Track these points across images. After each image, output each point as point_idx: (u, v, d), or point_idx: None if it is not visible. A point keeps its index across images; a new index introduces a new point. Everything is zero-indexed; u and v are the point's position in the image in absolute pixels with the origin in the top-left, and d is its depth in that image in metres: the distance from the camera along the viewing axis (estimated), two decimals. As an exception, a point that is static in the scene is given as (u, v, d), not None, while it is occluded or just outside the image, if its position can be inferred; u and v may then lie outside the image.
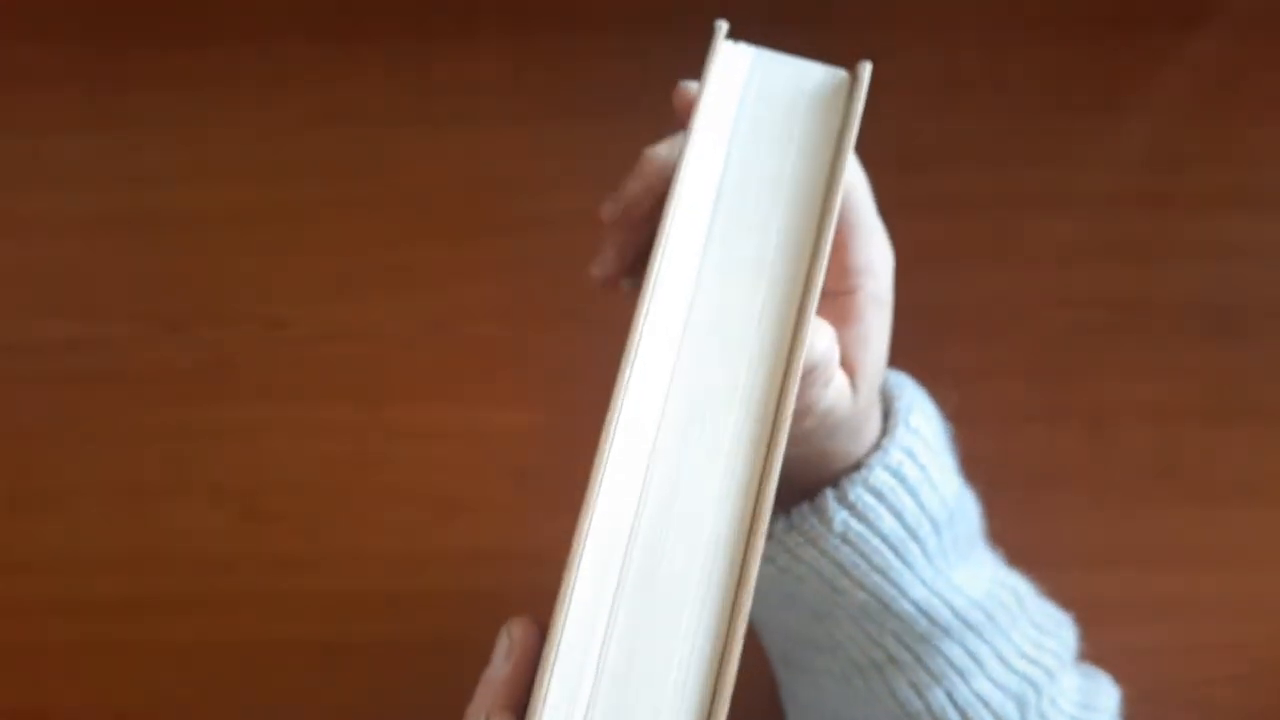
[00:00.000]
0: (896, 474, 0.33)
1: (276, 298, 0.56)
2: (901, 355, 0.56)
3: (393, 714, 0.55)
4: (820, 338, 0.28)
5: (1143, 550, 0.54)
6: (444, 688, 0.56)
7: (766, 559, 0.34)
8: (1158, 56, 0.56)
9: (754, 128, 0.28)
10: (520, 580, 0.55)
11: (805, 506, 0.33)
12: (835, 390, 0.30)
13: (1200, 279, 0.55)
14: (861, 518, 0.33)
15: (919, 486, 0.34)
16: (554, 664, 0.23)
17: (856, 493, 0.33)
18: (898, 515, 0.33)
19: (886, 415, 0.35)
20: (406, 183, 0.56)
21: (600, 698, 0.24)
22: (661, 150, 0.31)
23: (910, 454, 0.34)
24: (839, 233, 0.30)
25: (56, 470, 0.55)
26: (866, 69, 0.29)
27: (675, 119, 0.30)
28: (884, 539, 0.33)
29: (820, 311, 0.30)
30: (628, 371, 0.25)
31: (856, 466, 0.33)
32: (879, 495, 0.33)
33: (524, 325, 0.55)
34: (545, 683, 0.23)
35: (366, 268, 0.56)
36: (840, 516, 0.33)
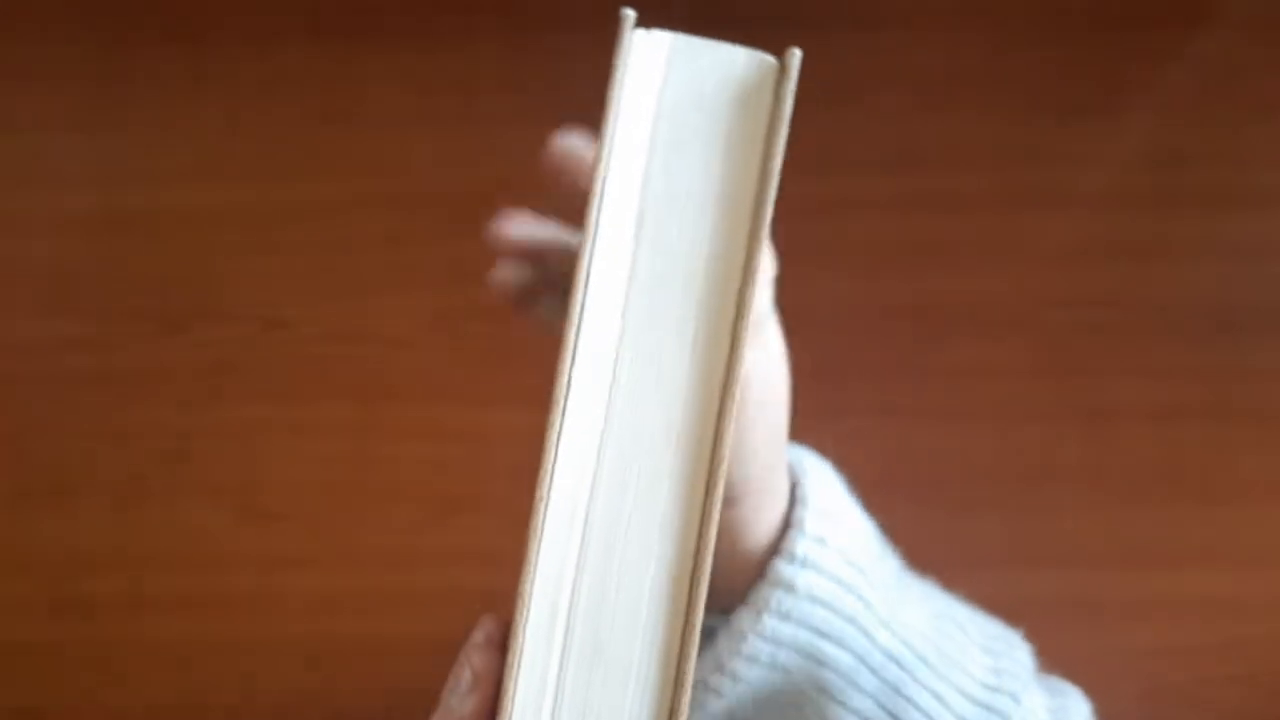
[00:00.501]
0: (827, 519, 0.33)
1: (276, 298, 0.56)
2: (902, 355, 0.56)
3: (393, 714, 0.55)
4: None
5: (1143, 550, 0.54)
6: (443, 687, 0.56)
7: (748, 660, 0.33)
8: (1159, 56, 0.56)
9: (674, 133, 0.26)
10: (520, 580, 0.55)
11: (762, 585, 0.33)
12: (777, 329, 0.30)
13: (1200, 279, 0.55)
14: (815, 567, 0.33)
15: (851, 523, 0.34)
16: None
17: (804, 544, 0.32)
18: (843, 554, 0.33)
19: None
20: (406, 183, 0.56)
21: None
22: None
23: (827, 513, 0.33)
24: None
25: (56, 470, 0.55)
26: (796, 57, 0.26)
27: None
28: (841, 583, 0.33)
29: None
30: (558, 423, 0.25)
31: (784, 530, 0.33)
32: (821, 541, 0.33)
33: (524, 325, 0.55)
34: None
35: (366, 268, 0.56)
36: (801, 577, 0.32)
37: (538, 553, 0.24)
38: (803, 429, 0.34)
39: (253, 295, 0.56)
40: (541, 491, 0.24)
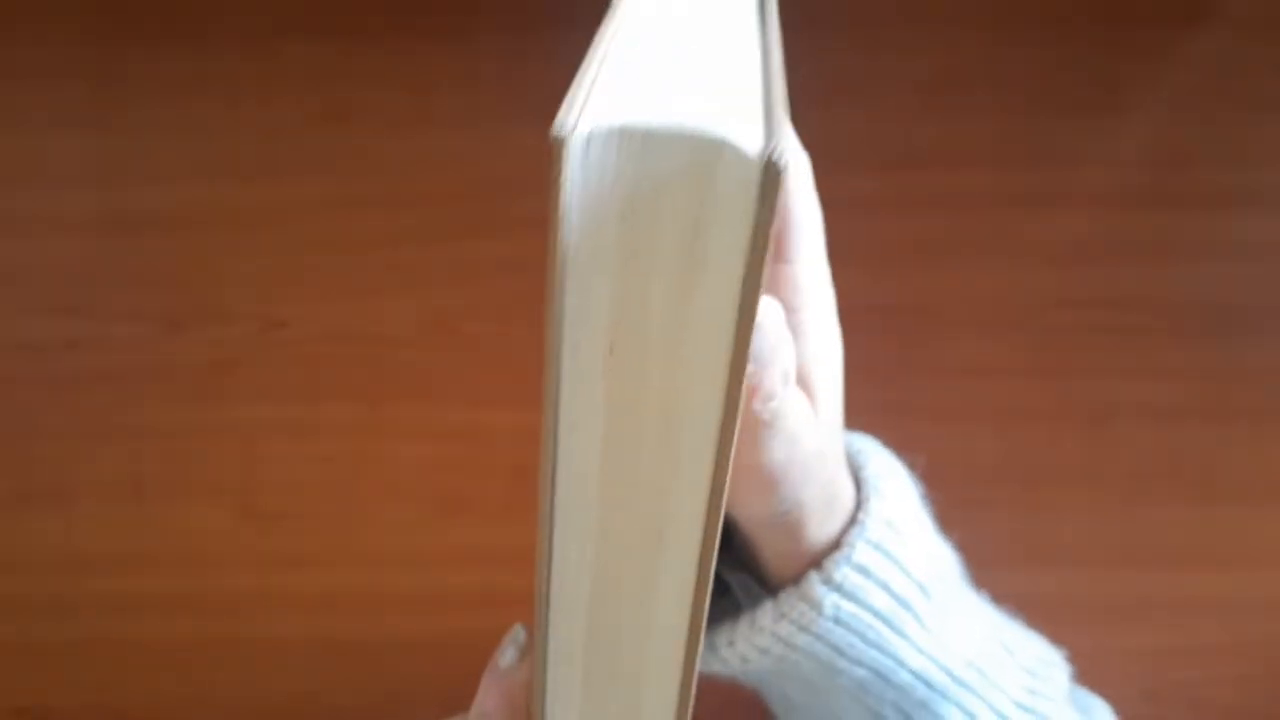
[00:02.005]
0: (879, 548, 0.32)
1: (276, 298, 0.56)
2: (902, 355, 0.56)
3: (392, 714, 0.55)
4: (767, 315, 0.25)
5: (1143, 550, 0.54)
6: (444, 687, 0.56)
7: (760, 651, 0.33)
8: (1158, 55, 0.55)
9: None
10: (520, 580, 0.55)
11: (792, 593, 0.33)
12: (796, 409, 0.28)
13: (1200, 279, 0.55)
14: (850, 597, 0.32)
15: (903, 556, 0.33)
16: None
17: (842, 573, 0.32)
18: (886, 588, 0.33)
19: (858, 485, 0.34)
20: (406, 183, 0.56)
21: None
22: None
23: (890, 525, 0.33)
24: (779, 236, 0.28)
25: (56, 470, 0.55)
26: (783, 164, 0.18)
27: None
28: (876, 614, 0.33)
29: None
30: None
31: (837, 545, 0.33)
32: (865, 572, 0.32)
33: (524, 325, 0.55)
34: None
35: (366, 268, 0.56)
36: (830, 599, 0.32)
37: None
38: (803, 429, 0.34)
39: (253, 295, 0.56)
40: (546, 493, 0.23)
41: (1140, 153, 0.55)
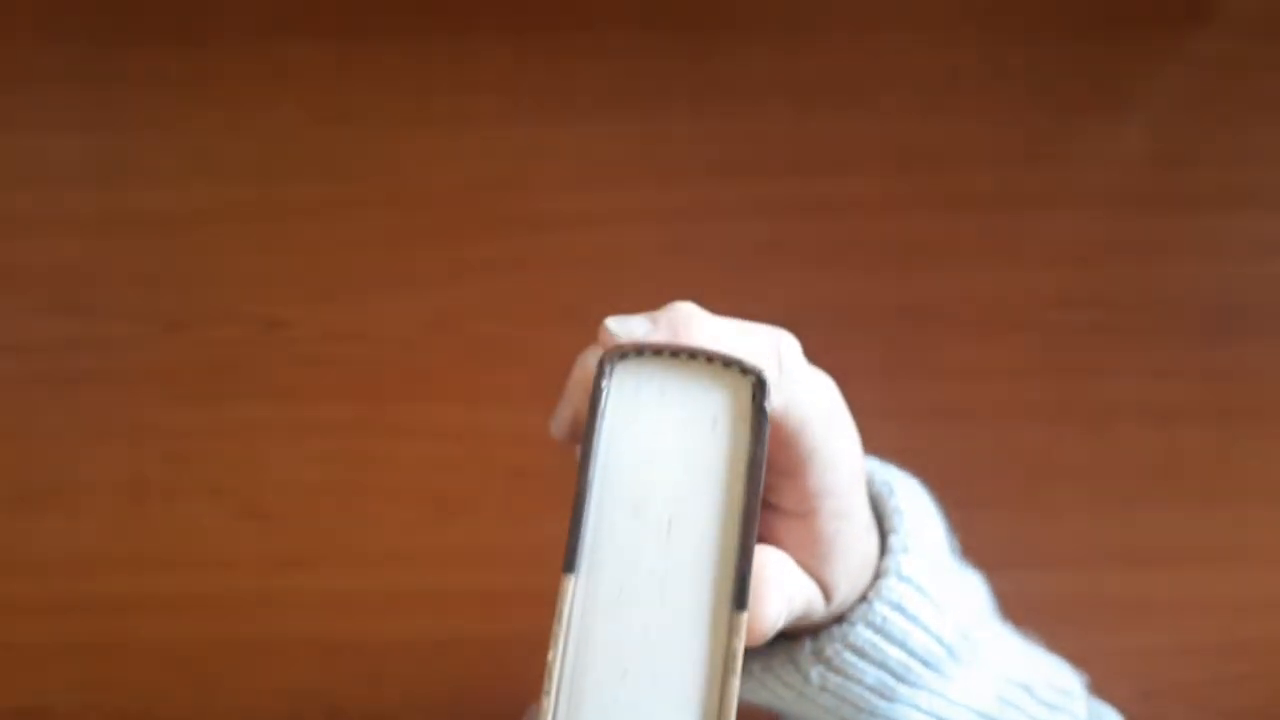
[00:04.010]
0: (880, 630, 0.32)
1: (276, 298, 0.56)
2: (902, 355, 0.56)
3: (392, 713, 0.55)
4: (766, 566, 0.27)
5: (1143, 550, 0.54)
6: (444, 687, 0.56)
7: (750, 692, 0.33)
8: (1158, 56, 0.56)
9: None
10: (520, 580, 0.55)
11: (780, 654, 0.32)
12: (804, 601, 0.29)
13: (1200, 279, 0.55)
14: (839, 672, 0.32)
15: (907, 635, 0.32)
16: None
17: (834, 648, 0.32)
18: (881, 665, 0.32)
19: (882, 534, 0.33)
20: (406, 183, 0.56)
21: None
22: (590, 361, 0.29)
23: (899, 607, 0.32)
24: (795, 460, 0.28)
25: (56, 469, 0.55)
26: (767, 401, 0.25)
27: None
28: (867, 687, 0.32)
29: (776, 532, 0.29)
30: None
31: (840, 619, 0.32)
32: (860, 652, 0.32)
33: (524, 325, 0.55)
34: None
35: (366, 268, 0.56)
36: (816, 671, 0.32)
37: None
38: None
39: (253, 295, 0.56)
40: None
41: (1140, 153, 0.55)
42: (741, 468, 0.25)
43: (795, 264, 0.55)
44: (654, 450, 0.25)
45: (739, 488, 0.24)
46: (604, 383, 0.25)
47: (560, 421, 0.30)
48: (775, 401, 0.26)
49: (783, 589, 0.28)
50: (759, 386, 0.25)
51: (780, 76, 0.54)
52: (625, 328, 0.27)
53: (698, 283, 0.54)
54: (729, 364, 0.25)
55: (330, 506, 0.55)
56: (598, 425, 0.24)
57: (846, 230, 0.55)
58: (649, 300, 0.56)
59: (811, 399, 0.28)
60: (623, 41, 0.55)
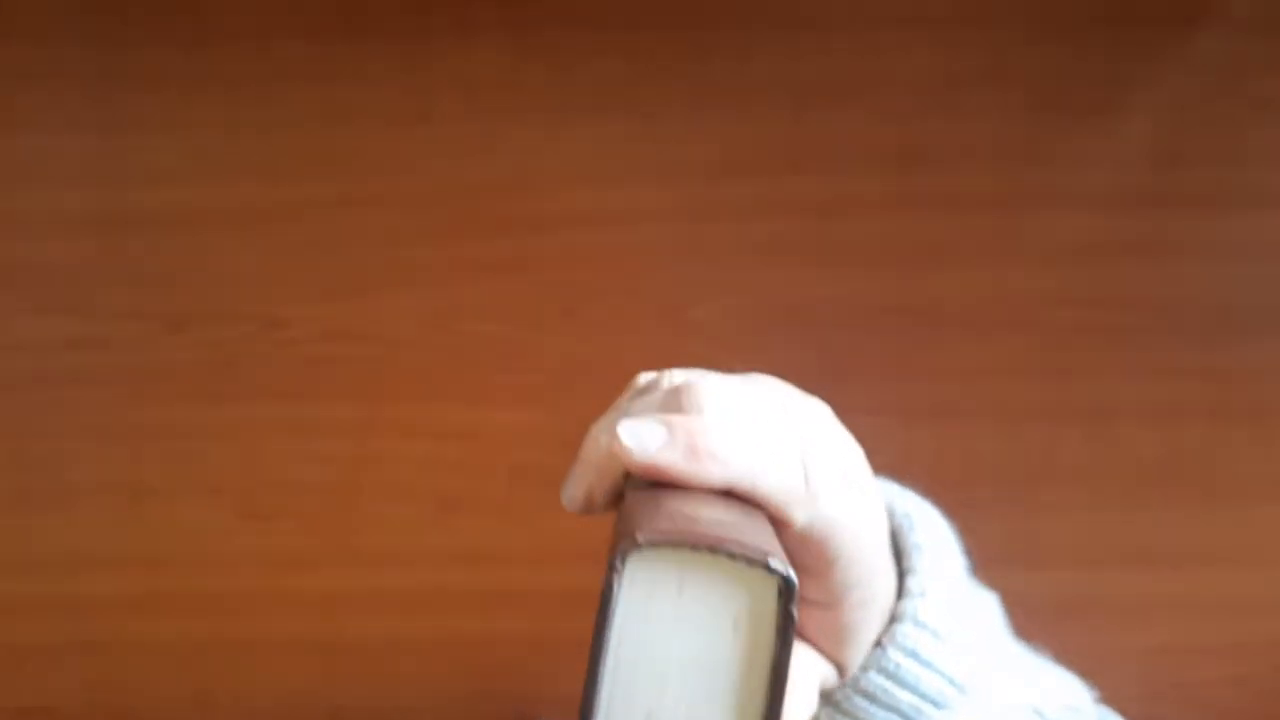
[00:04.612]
0: (893, 676, 0.32)
1: (276, 298, 0.56)
2: (902, 355, 0.56)
3: (393, 714, 0.55)
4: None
5: (1143, 550, 0.54)
6: (444, 686, 0.56)
7: None
8: (1159, 55, 0.55)
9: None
10: (520, 580, 0.55)
11: (822, 702, 0.33)
12: (820, 685, 0.30)
13: (1200, 279, 0.55)
14: (849, 715, 0.32)
15: (919, 680, 0.32)
16: None
17: (844, 693, 0.32)
18: (893, 709, 0.32)
19: (900, 571, 0.33)
20: (406, 183, 0.56)
21: None
22: (603, 437, 0.28)
23: (913, 654, 0.32)
24: (822, 562, 0.28)
25: (57, 469, 0.55)
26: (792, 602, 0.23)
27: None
28: (899, 713, 0.32)
29: (799, 621, 0.28)
30: None
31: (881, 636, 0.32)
32: (871, 698, 0.32)
33: (524, 325, 0.55)
34: None
35: (366, 268, 0.56)
36: (825, 713, 0.32)
37: None
38: (803, 429, 0.34)
39: (253, 295, 0.56)
40: None
41: (1140, 153, 0.55)
42: (764, 673, 0.23)
43: (795, 264, 0.55)
44: (669, 656, 0.23)
45: (760, 697, 0.23)
46: (616, 580, 0.22)
47: (572, 499, 0.29)
48: (799, 519, 0.26)
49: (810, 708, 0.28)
50: (786, 589, 0.22)
51: (780, 76, 0.54)
52: (639, 441, 0.25)
53: (698, 282, 0.54)
54: (753, 562, 0.22)
55: (330, 506, 0.55)
56: (609, 626, 0.22)
57: (846, 230, 0.55)
58: (650, 300, 0.56)
59: (837, 510, 0.28)
60: (623, 41, 0.55)
